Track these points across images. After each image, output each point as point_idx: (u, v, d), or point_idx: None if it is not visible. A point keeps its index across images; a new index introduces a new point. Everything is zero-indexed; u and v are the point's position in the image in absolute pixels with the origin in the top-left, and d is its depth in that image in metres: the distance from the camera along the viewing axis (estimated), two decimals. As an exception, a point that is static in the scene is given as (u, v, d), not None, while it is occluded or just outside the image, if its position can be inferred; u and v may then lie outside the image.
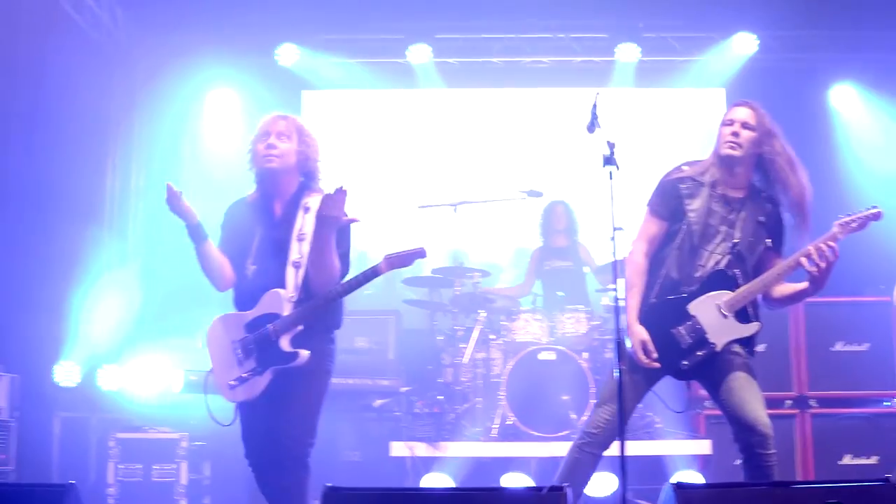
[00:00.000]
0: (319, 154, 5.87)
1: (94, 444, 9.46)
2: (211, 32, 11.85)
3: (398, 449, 8.88)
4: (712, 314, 5.52)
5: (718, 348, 5.50)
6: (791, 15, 11.86)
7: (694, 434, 9.13)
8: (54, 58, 10.31)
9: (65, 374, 10.00)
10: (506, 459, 8.76)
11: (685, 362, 5.51)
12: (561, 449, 8.79)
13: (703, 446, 8.83)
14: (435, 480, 8.52)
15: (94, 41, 11.55)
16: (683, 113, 12.84)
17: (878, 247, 8.93)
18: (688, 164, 5.86)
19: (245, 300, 5.70)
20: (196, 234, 5.65)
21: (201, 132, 12.37)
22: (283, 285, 5.53)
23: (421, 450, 8.86)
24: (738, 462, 8.39)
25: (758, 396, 5.48)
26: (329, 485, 4.63)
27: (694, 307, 5.54)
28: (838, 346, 9.14)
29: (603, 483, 8.49)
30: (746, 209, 5.66)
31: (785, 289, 5.66)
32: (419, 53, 12.17)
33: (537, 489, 4.50)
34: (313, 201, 5.58)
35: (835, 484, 4.53)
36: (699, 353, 5.51)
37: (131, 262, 11.77)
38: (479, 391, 9.43)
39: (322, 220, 5.38)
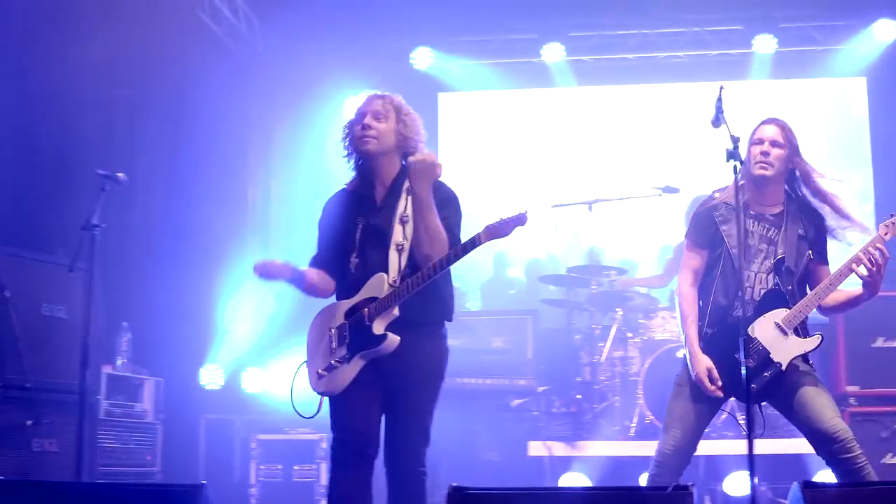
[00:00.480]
0: (421, 133, 5.36)
1: (238, 446, 9.67)
2: (346, 39, 12.02)
3: (536, 448, 8.90)
4: (773, 333, 5.45)
5: (784, 367, 5.41)
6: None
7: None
8: (195, 67, 10.58)
9: (210, 377, 10.27)
10: (644, 458, 8.67)
11: (753, 385, 5.39)
12: (701, 447, 8.77)
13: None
14: (572, 480, 8.52)
15: (233, 51, 11.83)
16: (822, 103, 12.62)
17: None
18: (718, 190, 5.81)
19: (350, 294, 5.24)
20: (298, 280, 5.45)
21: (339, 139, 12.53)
22: (386, 270, 5.12)
23: (559, 449, 8.87)
24: (886, 461, 8.45)
25: (828, 404, 5.38)
26: (454, 485, 4.60)
27: (754, 329, 5.47)
28: (879, 342, 8.83)
29: (740, 481, 8.42)
30: (786, 224, 5.62)
31: (839, 296, 5.58)
32: (553, 52, 12.19)
33: (661, 488, 4.43)
34: None
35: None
36: (766, 374, 5.41)
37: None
38: (616, 390, 9.40)
39: (412, 170, 5.10)
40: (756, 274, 5.58)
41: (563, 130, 12.77)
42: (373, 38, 12.11)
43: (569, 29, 12.24)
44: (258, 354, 10.51)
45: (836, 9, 11.97)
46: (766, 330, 5.47)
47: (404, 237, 5.15)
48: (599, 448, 8.80)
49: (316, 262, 5.50)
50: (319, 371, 5.21)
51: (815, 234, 5.66)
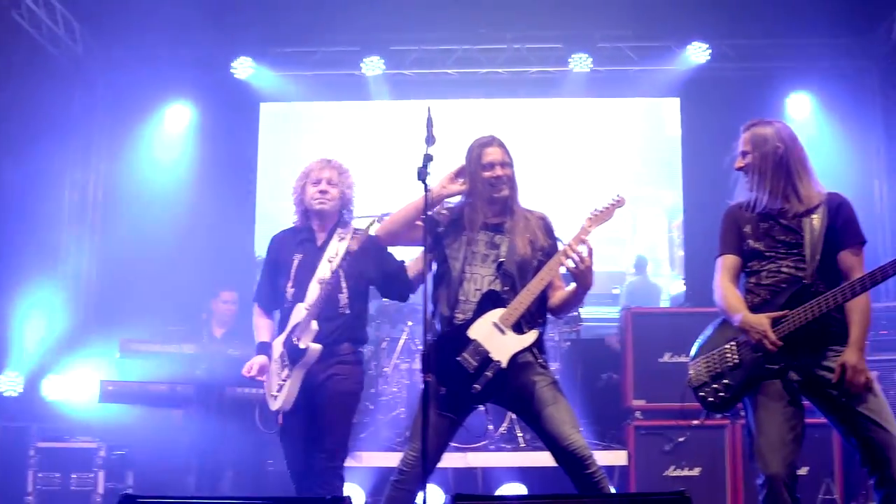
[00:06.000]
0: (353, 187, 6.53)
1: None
2: (169, 48, 12.04)
3: (313, 459, 8.91)
4: (491, 333, 5.55)
5: (504, 364, 5.49)
6: (747, 24, 11.99)
7: (609, 445, 9.21)
8: (11, 71, 10.52)
9: (8, 383, 10.16)
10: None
11: (476, 385, 5.48)
12: (477, 459, 8.91)
13: (620, 457, 8.86)
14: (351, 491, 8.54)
15: (53, 56, 11.76)
16: (640, 122, 12.92)
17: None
18: (446, 208, 5.96)
19: (283, 320, 6.32)
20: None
21: (160, 146, 12.50)
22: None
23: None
24: (668, 473, 8.65)
25: (568, 419, 5.49)
26: (126, 493, 4.63)
27: (473, 331, 5.57)
28: (666, 358, 9.07)
29: (514, 491, 8.61)
30: (510, 230, 5.76)
31: (561, 294, 5.78)
32: (373, 65, 12.32)
33: (321, 499, 4.52)
34: (346, 232, 6.30)
35: (625, 497, 4.52)
36: (488, 374, 5.49)
37: (86, 272, 11.98)
38: (403, 401, 9.47)
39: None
40: (483, 277, 5.70)
41: (384, 143, 12.75)
42: (194, 47, 12.13)
43: (390, 43, 12.38)
44: (58, 361, 10.41)
45: (651, 30, 12.28)
46: (484, 330, 5.56)
47: (328, 273, 6.15)
48: (379, 459, 8.83)
49: (263, 299, 6.57)
50: (273, 393, 6.21)
51: (546, 236, 5.84)
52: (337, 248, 6.18)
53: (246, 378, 8.55)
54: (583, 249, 5.50)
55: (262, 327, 6.47)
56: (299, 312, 6.13)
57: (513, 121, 12.54)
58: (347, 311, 6.20)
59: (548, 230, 5.91)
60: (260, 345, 6.37)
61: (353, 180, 6.51)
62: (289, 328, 6.17)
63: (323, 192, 6.36)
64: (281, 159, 12.78)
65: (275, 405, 6.20)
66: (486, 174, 5.78)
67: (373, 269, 6.23)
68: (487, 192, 5.78)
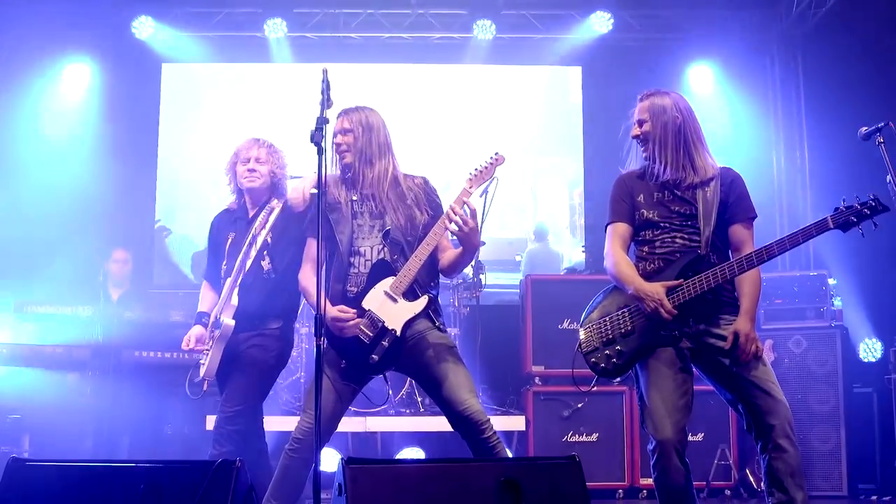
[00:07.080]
0: (286, 166, 6.67)
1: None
2: (68, 5, 11.76)
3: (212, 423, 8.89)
4: (384, 302, 5.57)
5: (399, 333, 5.54)
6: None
7: (508, 410, 9.29)
8: None
9: None
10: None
11: (374, 356, 5.52)
12: (376, 424, 8.94)
13: (519, 423, 8.95)
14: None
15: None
16: (543, 90, 12.98)
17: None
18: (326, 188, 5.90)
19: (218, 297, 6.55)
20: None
21: (59, 105, 12.27)
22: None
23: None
24: (567, 439, 8.73)
25: (465, 384, 5.55)
26: (14, 456, 4.56)
27: (366, 302, 5.60)
28: (565, 324, 9.24)
29: (412, 455, 8.69)
30: (389, 199, 5.78)
31: (450, 255, 5.81)
32: (276, 28, 12.21)
33: (209, 463, 4.50)
34: (276, 204, 6.45)
35: (515, 461, 4.53)
36: (384, 343, 5.52)
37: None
38: (302, 365, 9.47)
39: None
40: (372, 248, 5.71)
41: (283, 106, 12.57)
42: (94, 4, 11.87)
43: (293, 5, 12.26)
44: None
45: (556, -2, 12.31)
46: (377, 300, 5.58)
47: (251, 246, 6.36)
48: (279, 423, 8.80)
49: (209, 276, 6.76)
50: (201, 361, 6.42)
51: (429, 204, 5.84)
52: (265, 220, 6.37)
53: (143, 341, 8.72)
54: (465, 211, 5.53)
55: (205, 298, 6.67)
56: (227, 287, 6.35)
57: (416, 86, 12.55)
58: (273, 275, 6.37)
59: (429, 194, 5.90)
60: (197, 314, 6.60)
61: (284, 161, 6.65)
62: (220, 302, 6.36)
63: (251, 170, 6.50)
64: (183, 120, 12.61)
65: (200, 373, 6.41)
66: (334, 142, 5.85)
67: (297, 231, 6.26)
68: (336, 161, 5.86)
